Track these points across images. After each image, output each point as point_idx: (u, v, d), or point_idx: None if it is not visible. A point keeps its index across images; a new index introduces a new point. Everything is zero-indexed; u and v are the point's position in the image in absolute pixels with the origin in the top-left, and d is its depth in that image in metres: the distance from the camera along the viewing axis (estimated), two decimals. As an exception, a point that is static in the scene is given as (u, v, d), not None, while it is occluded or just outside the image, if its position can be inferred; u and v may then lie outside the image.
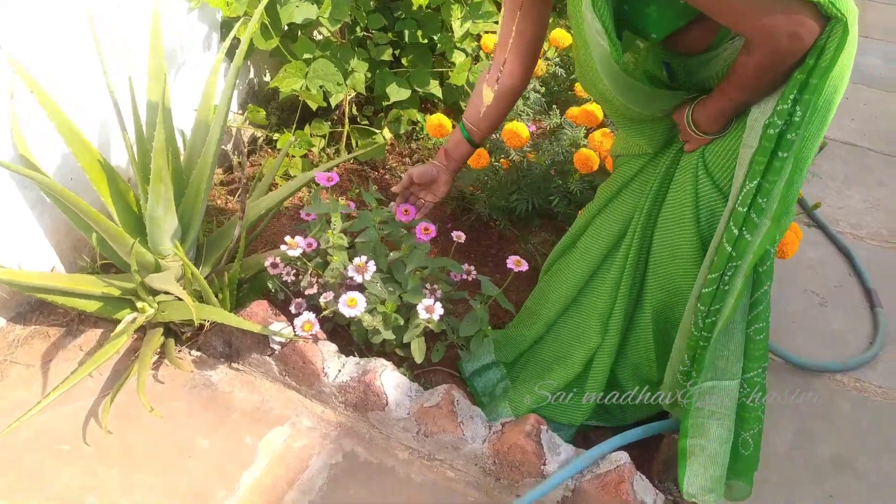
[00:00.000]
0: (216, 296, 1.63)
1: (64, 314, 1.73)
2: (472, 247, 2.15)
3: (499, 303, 1.58)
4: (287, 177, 2.26)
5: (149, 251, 1.58)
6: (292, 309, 1.58)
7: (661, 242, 1.40)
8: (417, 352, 1.49)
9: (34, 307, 1.73)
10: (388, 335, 1.48)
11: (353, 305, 1.31)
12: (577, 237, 1.57)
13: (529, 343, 1.64)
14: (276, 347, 1.55)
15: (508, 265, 1.45)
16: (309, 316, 1.37)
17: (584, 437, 1.64)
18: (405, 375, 1.54)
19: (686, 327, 1.32)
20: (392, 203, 1.56)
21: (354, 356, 1.58)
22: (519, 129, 1.68)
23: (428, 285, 1.57)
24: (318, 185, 1.51)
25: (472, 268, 1.63)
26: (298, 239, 1.46)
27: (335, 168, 2.29)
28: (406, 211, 1.49)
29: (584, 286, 1.55)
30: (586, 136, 1.77)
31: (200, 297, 1.59)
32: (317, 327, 1.37)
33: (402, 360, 1.63)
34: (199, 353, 1.68)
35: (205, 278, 1.68)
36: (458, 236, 1.54)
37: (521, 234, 2.09)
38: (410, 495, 1.43)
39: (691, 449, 1.36)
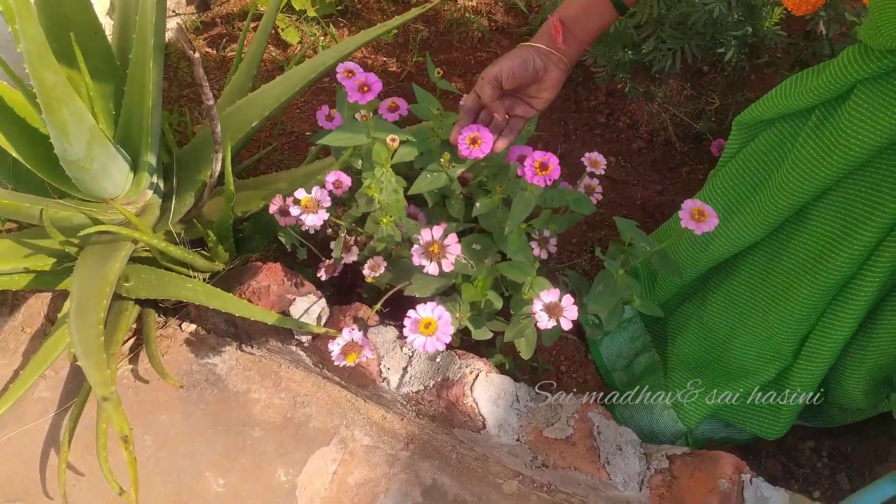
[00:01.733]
0: (202, 247, 1.06)
1: (-7, 274, 1.18)
2: (567, 107, 1.48)
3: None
4: None
5: (82, 203, 0.98)
6: (322, 275, 1.01)
7: None
8: (525, 347, 0.93)
9: (-52, 266, 1.18)
10: (483, 334, 0.92)
11: (429, 332, 0.73)
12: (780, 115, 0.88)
13: (682, 295, 1.07)
14: (305, 339, 1.00)
15: (683, 220, 0.77)
16: (353, 335, 0.80)
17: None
18: (507, 373, 1.00)
19: None
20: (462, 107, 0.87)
21: (425, 340, 1.03)
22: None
23: (536, 233, 0.97)
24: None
25: (598, 187, 1.00)
26: (319, 192, 0.83)
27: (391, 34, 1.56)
28: (475, 140, 0.80)
29: (803, 215, 0.90)
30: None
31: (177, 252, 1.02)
32: (368, 352, 0.80)
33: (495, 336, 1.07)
34: (194, 328, 1.15)
35: (183, 219, 1.09)
36: (594, 161, 0.88)
37: (643, 86, 1.39)
38: (528, 554, 0.97)
39: None
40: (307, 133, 1.38)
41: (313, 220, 0.82)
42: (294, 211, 0.83)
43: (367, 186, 0.78)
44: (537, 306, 0.80)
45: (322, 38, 1.53)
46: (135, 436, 1.04)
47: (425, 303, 0.74)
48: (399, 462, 1.03)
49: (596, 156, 0.87)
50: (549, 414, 0.94)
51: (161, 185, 1.09)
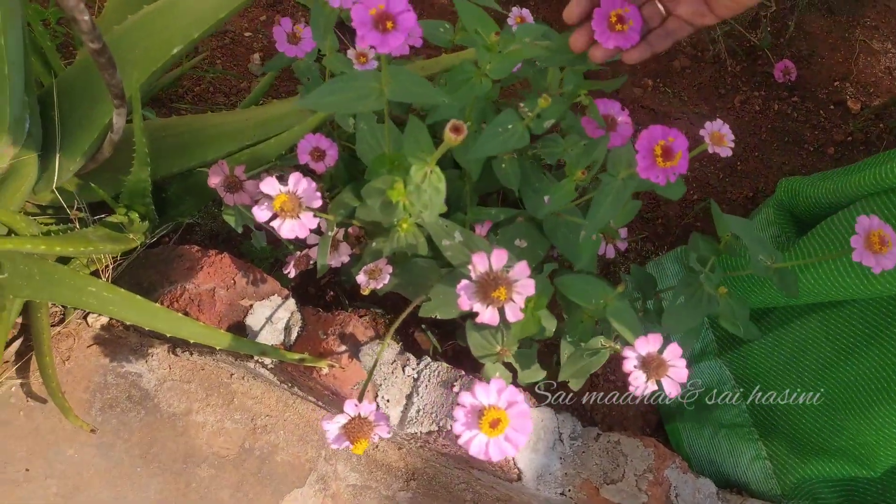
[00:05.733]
0: (109, 210, 0.74)
1: None
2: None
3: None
4: None
5: None
6: (290, 272, 0.71)
7: None
8: (578, 381, 0.67)
9: None
10: (533, 375, 0.65)
11: (496, 432, 0.46)
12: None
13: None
14: (270, 360, 0.72)
15: (856, 249, 0.47)
16: (360, 410, 0.51)
17: None
18: (545, 400, 0.75)
19: None
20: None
21: (434, 356, 0.76)
22: None
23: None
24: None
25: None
26: (300, 183, 0.51)
27: None
28: (621, 20, 0.49)
29: None
30: None
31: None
32: (384, 431, 0.53)
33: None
34: (106, 321, 0.83)
35: (81, 173, 0.75)
36: (716, 137, 0.58)
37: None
38: None
39: None
40: (247, 34, 1.01)
41: (293, 231, 0.51)
42: (261, 214, 0.52)
43: (388, 188, 0.47)
44: (630, 361, 0.53)
45: None
46: (33, 479, 0.76)
47: (487, 381, 0.46)
48: (398, 506, 0.79)
49: (720, 126, 0.57)
50: (606, 463, 0.71)
51: (39, 128, 0.73)
